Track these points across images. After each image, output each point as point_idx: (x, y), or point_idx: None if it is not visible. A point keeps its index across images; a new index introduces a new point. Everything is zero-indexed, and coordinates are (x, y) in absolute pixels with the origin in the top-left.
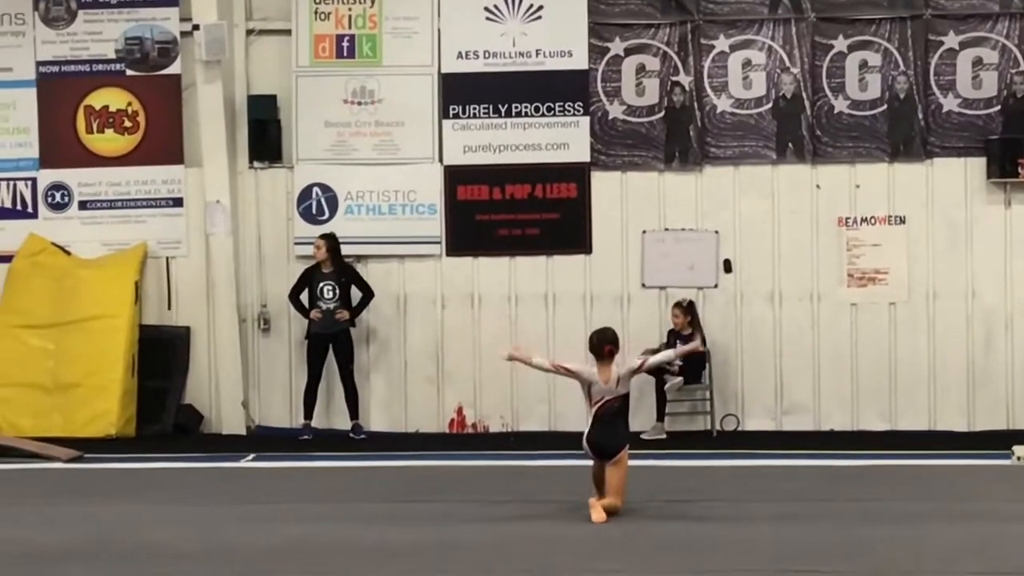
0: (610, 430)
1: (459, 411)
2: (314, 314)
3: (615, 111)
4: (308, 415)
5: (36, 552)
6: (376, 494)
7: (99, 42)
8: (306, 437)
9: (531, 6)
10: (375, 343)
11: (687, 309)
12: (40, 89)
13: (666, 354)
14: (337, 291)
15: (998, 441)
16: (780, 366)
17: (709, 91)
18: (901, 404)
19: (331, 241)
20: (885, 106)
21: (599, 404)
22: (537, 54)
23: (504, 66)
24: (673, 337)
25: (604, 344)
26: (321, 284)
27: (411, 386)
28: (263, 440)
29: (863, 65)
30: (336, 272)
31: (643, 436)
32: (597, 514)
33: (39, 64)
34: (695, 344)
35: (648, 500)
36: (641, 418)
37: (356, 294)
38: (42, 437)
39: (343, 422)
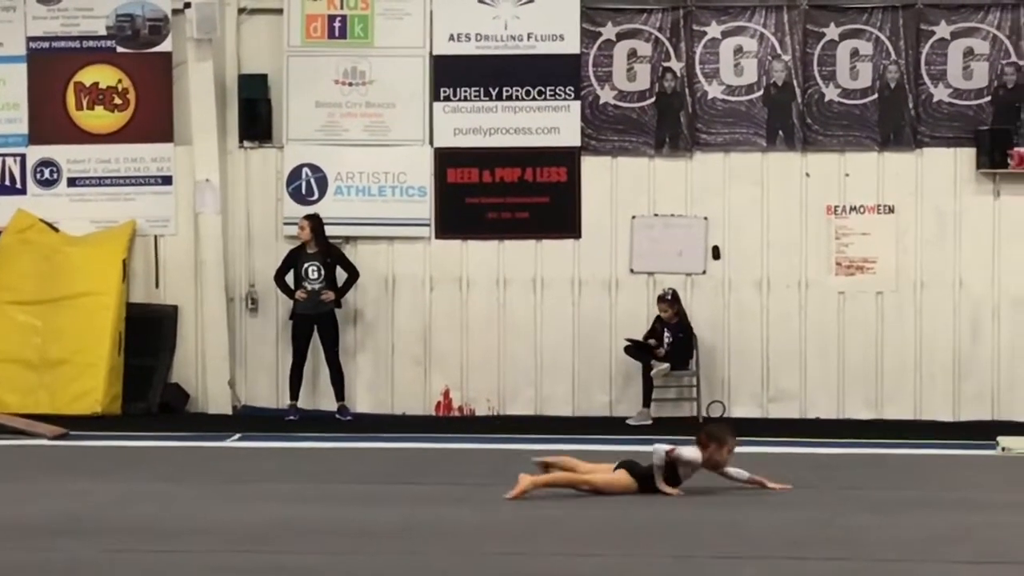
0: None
1: (446, 394)
2: (299, 294)
3: (606, 96)
4: (294, 396)
5: (20, 528)
6: (361, 475)
7: (90, 18)
8: (292, 418)
9: None
10: (362, 325)
11: (671, 301)
12: (30, 65)
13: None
14: (322, 272)
15: (983, 431)
16: (767, 353)
17: (700, 77)
18: (887, 393)
19: (315, 221)
20: (876, 95)
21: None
22: (529, 38)
23: (496, 49)
24: (660, 324)
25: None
26: (306, 265)
27: (398, 368)
28: (249, 420)
29: (854, 54)
30: (321, 253)
31: (629, 421)
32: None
33: (29, 40)
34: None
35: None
36: (627, 404)
37: (342, 275)
38: (28, 414)
39: (329, 403)
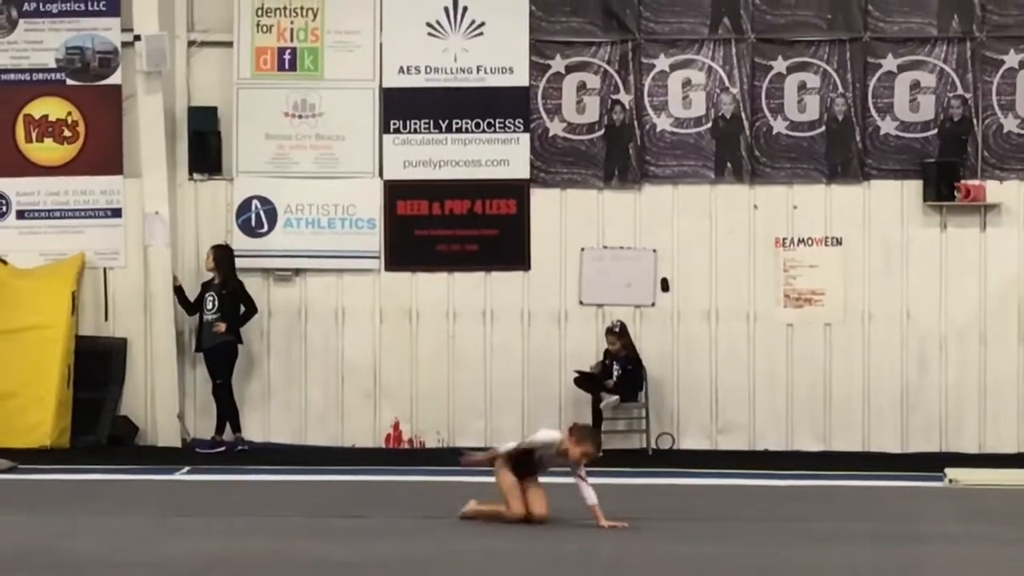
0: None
1: (396, 426)
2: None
3: (555, 128)
4: (235, 428)
5: None
6: (311, 508)
7: (40, 51)
8: (239, 447)
9: (473, 22)
10: (313, 357)
11: (619, 334)
12: None
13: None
14: (216, 303)
15: (931, 463)
16: (716, 385)
17: (649, 110)
18: (835, 425)
19: (220, 252)
20: (823, 127)
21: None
22: (478, 70)
23: (445, 82)
24: (609, 358)
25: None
26: (205, 294)
27: (348, 400)
28: (198, 453)
29: (802, 86)
30: (221, 284)
31: None
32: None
33: None
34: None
35: (583, 518)
36: None
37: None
38: None
39: (281, 434)
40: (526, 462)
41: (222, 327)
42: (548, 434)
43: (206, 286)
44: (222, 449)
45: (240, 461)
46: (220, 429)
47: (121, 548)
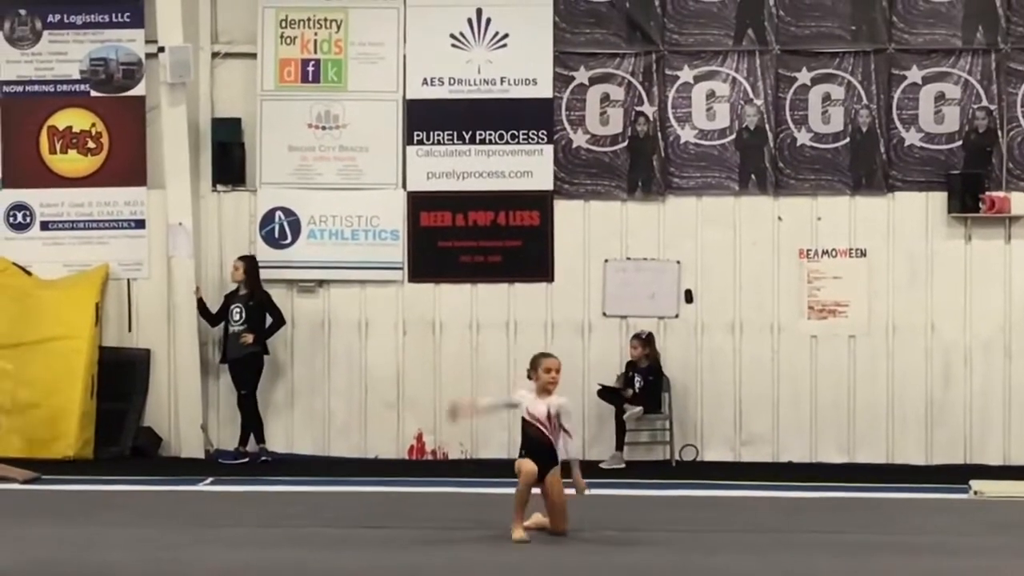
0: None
1: (419, 437)
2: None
3: (579, 140)
4: (259, 439)
5: None
6: (333, 519)
7: (64, 63)
8: (255, 460)
9: (497, 34)
10: (335, 368)
11: (646, 341)
12: (3, 109)
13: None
14: (244, 314)
15: (955, 475)
16: (739, 397)
17: (673, 121)
18: (859, 437)
19: (249, 263)
20: (848, 139)
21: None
22: (502, 82)
23: (469, 93)
24: (631, 368)
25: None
26: (232, 306)
27: (371, 412)
28: (221, 464)
29: (826, 98)
30: (247, 295)
31: (602, 465)
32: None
33: (2, 84)
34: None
35: (606, 529)
36: (600, 447)
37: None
38: (0, 458)
39: (304, 446)
40: (534, 441)
41: (249, 338)
42: (520, 392)
43: (230, 297)
44: (245, 460)
45: (263, 472)
46: (244, 440)
47: (145, 559)
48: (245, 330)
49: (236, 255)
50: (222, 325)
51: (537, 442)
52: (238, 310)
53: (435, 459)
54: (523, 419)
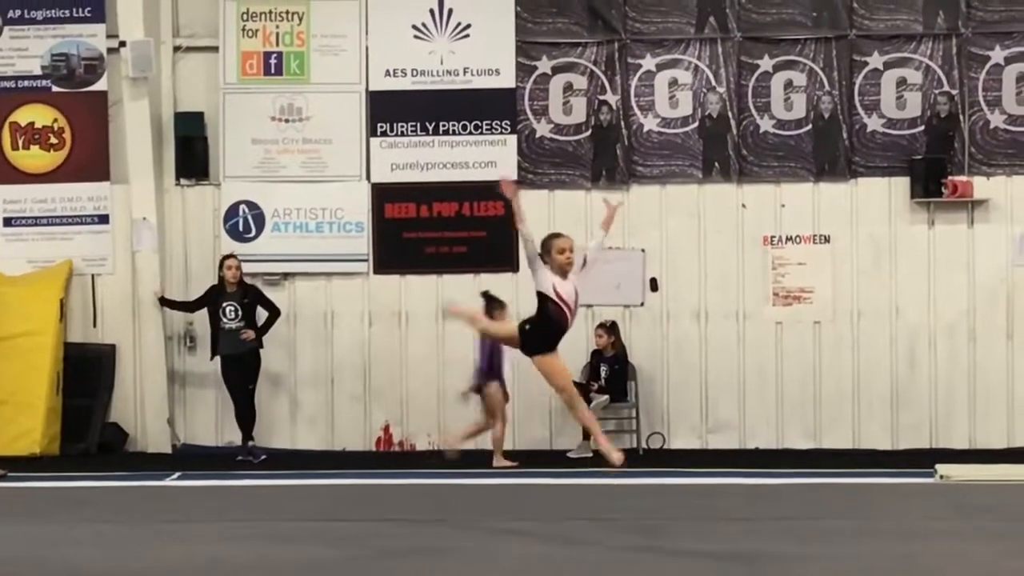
0: None
1: (386, 429)
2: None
3: (542, 129)
4: (248, 436)
5: None
6: (302, 512)
7: (25, 58)
8: (259, 457)
9: (459, 24)
10: (302, 361)
11: (610, 330)
12: None
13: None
14: (239, 312)
15: (921, 459)
16: (706, 384)
17: (636, 110)
18: (825, 422)
19: (238, 261)
20: (810, 126)
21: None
22: (465, 72)
23: (432, 84)
24: (597, 358)
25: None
26: (224, 304)
27: (338, 404)
28: (188, 458)
29: (788, 85)
30: (239, 292)
31: (569, 454)
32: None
33: None
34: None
35: (573, 518)
36: (567, 436)
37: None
38: None
39: (277, 439)
40: (554, 323)
41: (251, 334)
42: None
43: (218, 294)
44: (264, 457)
45: (231, 466)
46: (250, 435)
47: (112, 555)
48: (244, 327)
49: (200, 249)
50: (215, 322)
51: (557, 324)
52: (232, 308)
53: (403, 450)
54: (545, 296)
